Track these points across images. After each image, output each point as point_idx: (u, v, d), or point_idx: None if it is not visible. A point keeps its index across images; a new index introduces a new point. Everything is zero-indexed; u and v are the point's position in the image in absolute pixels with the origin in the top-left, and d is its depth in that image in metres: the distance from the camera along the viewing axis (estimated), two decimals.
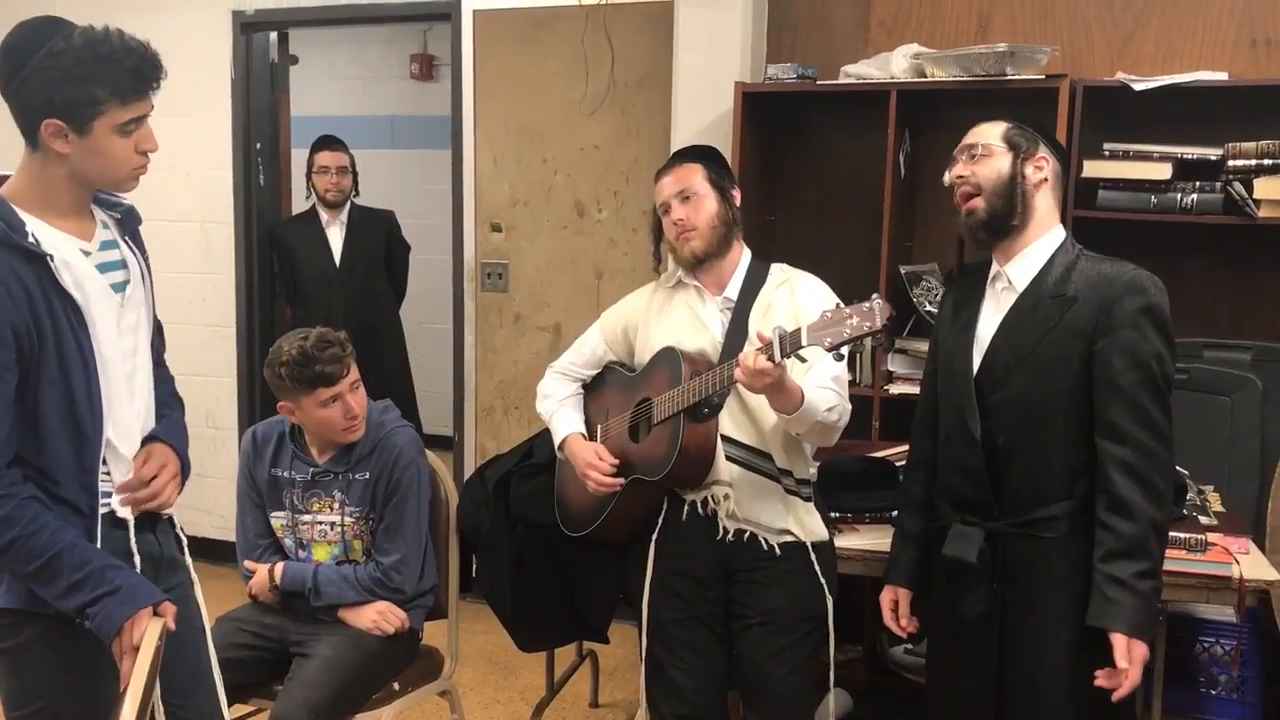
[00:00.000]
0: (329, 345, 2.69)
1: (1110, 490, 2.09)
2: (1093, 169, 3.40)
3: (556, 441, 2.70)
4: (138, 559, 1.97)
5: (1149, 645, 2.08)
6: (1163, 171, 3.33)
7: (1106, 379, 2.11)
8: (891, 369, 3.63)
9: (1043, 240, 2.22)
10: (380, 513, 2.76)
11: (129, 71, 1.81)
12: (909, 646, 3.62)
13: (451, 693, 2.97)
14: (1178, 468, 2.80)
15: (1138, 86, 3.33)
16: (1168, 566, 2.46)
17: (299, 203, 5.13)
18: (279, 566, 2.76)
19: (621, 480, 2.52)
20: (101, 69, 1.79)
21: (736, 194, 2.56)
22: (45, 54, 1.78)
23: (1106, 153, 3.41)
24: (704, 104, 3.80)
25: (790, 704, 2.49)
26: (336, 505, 2.78)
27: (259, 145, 4.78)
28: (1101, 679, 2.07)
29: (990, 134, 2.24)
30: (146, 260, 2.06)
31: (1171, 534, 2.51)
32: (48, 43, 1.78)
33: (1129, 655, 2.04)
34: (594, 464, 2.55)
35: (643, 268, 2.66)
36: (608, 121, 4.19)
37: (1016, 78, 3.32)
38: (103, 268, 1.94)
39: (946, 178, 2.28)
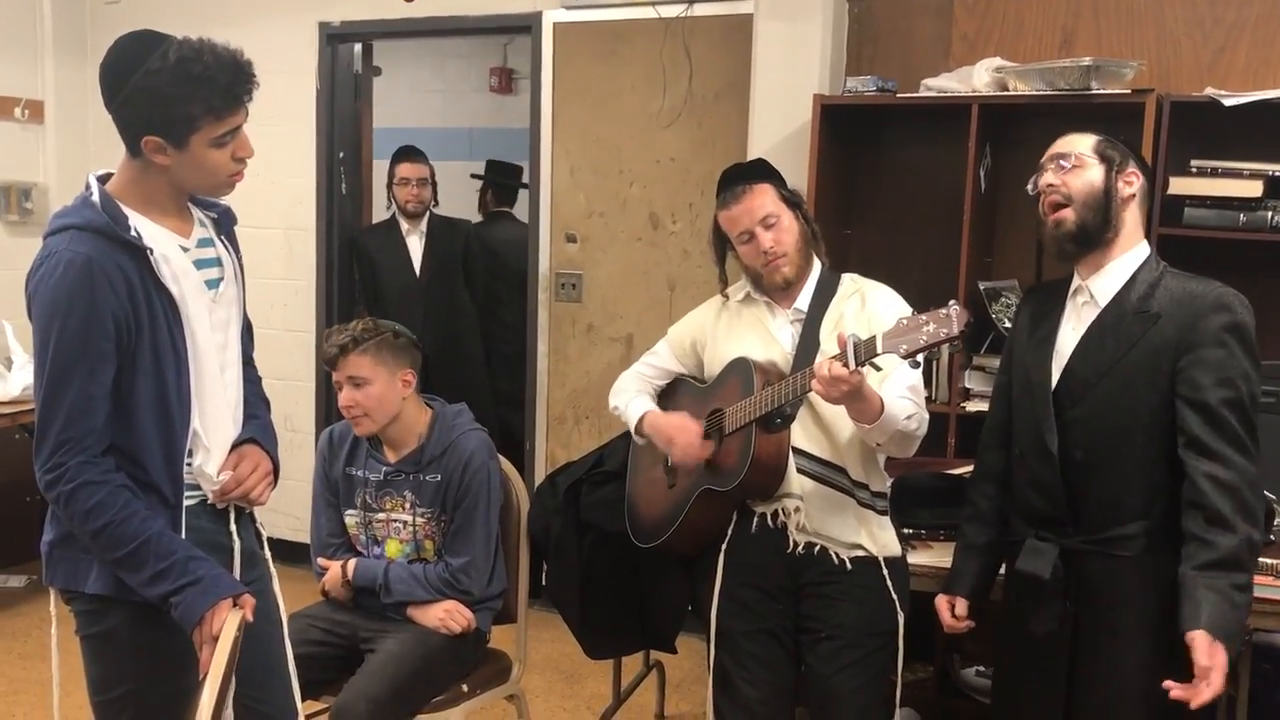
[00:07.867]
0: (359, 334, 2.73)
1: (1205, 504, 2.02)
2: (1179, 186, 3.32)
3: (633, 424, 2.62)
4: (238, 552, 2.03)
5: (1233, 663, 2.00)
6: (1253, 189, 3.25)
7: (1191, 396, 2.06)
8: (968, 386, 3.58)
9: (1128, 255, 2.19)
10: (451, 515, 2.79)
11: (222, 89, 1.84)
12: (980, 669, 3.57)
13: (519, 697, 2.98)
14: (1266, 493, 2.72)
15: (1228, 102, 3.26)
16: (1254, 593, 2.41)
17: (379, 212, 5.22)
18: (351, 563, 2.82)
19: (711, 442, 2.46)
20: (196, 88, 1.82)
21: (808, 206, 2.55)
22: (143, 74, 1.81)
23: (1194, 169, 3.34)
24: (782, 117, 3.79)
25: None
26: (408, 506, 2.81)
27: (342, 154, 4.86)
28: (1178, 691, 1.93)
29: (1081, 145, 2.20)
30: (240, 260, 2.12)
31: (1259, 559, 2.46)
32: (145, 62, 1.82)
33: (1211, 656, 1.91)
34: (683, 426, 2.48)
35: (715, 281, 2.65)
36: (684, 134, 4.20)
37: (1101, 92, 3.26)
38: (198, 264, 2.00)
39: (1032, 186, 2.24)
